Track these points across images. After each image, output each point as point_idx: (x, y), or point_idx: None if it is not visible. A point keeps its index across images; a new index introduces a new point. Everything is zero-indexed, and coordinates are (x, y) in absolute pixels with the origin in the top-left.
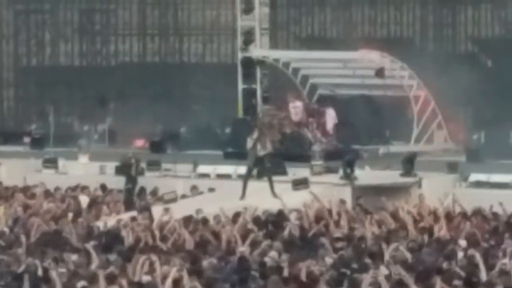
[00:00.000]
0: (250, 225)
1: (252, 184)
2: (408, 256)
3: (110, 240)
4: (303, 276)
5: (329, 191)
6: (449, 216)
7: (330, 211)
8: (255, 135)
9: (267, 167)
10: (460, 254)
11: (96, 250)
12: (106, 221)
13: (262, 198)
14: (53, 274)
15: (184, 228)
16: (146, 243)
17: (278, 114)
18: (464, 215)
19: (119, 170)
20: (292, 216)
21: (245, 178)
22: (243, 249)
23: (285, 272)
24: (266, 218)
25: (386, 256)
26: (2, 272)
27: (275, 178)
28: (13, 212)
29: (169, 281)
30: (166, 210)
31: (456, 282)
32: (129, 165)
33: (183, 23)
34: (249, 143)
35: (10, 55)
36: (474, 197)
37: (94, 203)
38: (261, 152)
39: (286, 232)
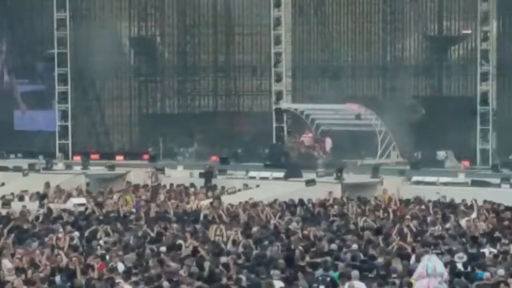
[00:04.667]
0: (280, 208)
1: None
2: (374, 224)
3: (196, 216)
4: (311, 237)
5: (327, 187)
6: (400, 201)
7: (328, 200)
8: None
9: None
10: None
11: (188, 222)
12: (193, 205)
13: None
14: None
15: (240, 209)
16: (217, 218)
17: (296, 141)
18: (408, 201)
19: (201, 175)
20: (306, 202)
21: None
22: (274, 221)
23: (300, 234)
24: (289, 203)
25: (360, 224)
26: (131, 234)
27: (294, 179)
28: (136, 199)
29: (230, 240)
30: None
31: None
32: (208, 172)
33: (236, 87)
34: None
35: (136, 107)
36: (415, 190)
37: (186, 194)
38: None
39: (300, 211)
